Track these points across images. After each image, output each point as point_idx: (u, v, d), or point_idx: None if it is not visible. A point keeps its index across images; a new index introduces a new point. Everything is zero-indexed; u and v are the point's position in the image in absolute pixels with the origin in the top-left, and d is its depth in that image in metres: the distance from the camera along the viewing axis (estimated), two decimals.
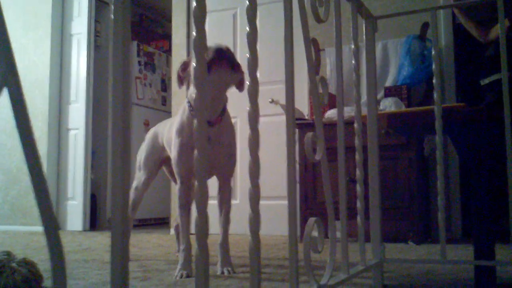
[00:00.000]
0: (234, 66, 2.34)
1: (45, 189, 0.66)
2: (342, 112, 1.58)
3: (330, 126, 3.27)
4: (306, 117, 4.31)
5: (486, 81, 3.00)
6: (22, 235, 4.76)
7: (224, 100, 2.44)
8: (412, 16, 4.04)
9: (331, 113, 3.88)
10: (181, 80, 2.44)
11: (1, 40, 0.59)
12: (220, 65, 2.25)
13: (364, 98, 3.12)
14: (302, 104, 4.45)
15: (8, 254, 2.08)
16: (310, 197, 3.92)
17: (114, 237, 0.73)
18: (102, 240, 4.34)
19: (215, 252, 2.48)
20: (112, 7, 0.76)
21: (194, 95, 2.31)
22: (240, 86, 2.48)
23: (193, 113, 2.37)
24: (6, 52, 0.59)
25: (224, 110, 2.43)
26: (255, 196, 1.02)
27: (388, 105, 3.78)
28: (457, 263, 2.25)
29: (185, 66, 2.44)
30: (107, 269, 2.49)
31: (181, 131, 2.42)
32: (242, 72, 2.44)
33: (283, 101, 4.40)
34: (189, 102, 2.38)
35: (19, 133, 0.64)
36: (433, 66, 1.89)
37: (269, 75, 4.52)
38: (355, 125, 1.73)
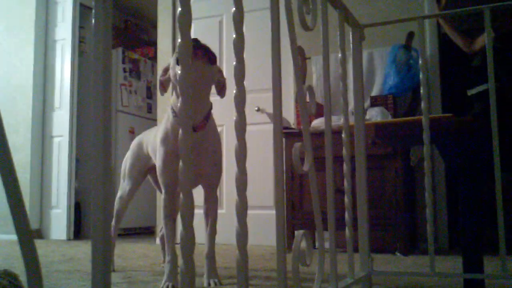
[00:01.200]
0: (211, 58, 2.24)
1: (19, 198, 0.63)
2: (329, 121, 1.56)
3: (316, 135, 3.25)
4: (293, 126, 4.29)
5: (473, 91, 3.00)
6: (4, 244, 4.67)
7: (208, 104, 2.37)
8: (398, 25, 4.05)
9: (317, 122, 3.87)
10: (163, 86, 2.40)
11: None
12: (195, 55, 2.13)
13: (350, 107, 3.11)
14: (288, 113, 4.43)
15: None
16: (297, 207, 3.90)
17: (95, 249, 0.70)
18: (86, 249, 4.27)
19: (201, 263, 2.44)
20: (93, 11, 0.74)
21: (177, 101, 2.29)
22: (221, 91, 2.42)
23: (176, 118, 2.31)
24: None
25: (208, 116, 2.36)
26: (242, 209, 0.99)
27: (375, 114, 3.78)
28: (446, 276, 2.23)
29: (165, 71, 2.38)
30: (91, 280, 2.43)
31: (165, 139, 2.36)
32: (221, 71, 2.40)
33: (269, 109, 4.39)
34: (172, 108, 2.31)
35: None
36: (420, 76, 1.88)
37: (256, 83, 4.51)
38: (343, 135, 1.71)
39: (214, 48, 4.88)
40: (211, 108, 2.40)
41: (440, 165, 4.00)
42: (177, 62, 2.27)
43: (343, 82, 1.72)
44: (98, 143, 0.71)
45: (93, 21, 0.75)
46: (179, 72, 0.87)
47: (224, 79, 2.42)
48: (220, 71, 2.42)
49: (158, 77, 2.42)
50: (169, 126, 2.35)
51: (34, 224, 5.57)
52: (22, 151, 5.63)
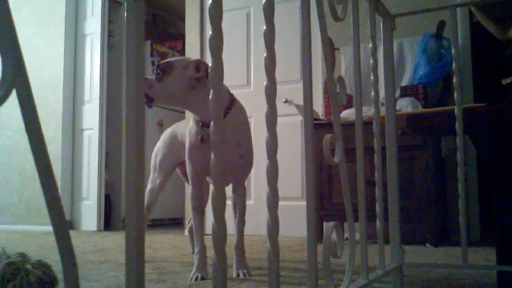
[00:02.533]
0: (158, 73, 2.30)
1: (55, 190, 0.64)
2: (360, 112, 1.54)
3: (345, 126, 3.22)
4: (321, 117, 4.26)
5: (508, 80, 2.94)
6: (37, 235, 4.77)
7: (226, 97, 2.34)
8: (428, 14, 3.97)
9: (346, 113, 3.83)
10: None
11: (10, 40, 0.57)
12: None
13: (380, 97, 3.07)
14: (317, 104, 4.41)
15: (23, 255, 2.07)
16: (326, 198, 3.88)
17: (129, 241, 0.71)
18: (116, 240, 4.33)
19: (230, 254, 2.45)
20: (125, 6, 0.74)
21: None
22: (206, 79, 2.30)
23: (194, 118, 2.39)
24: (14, 53, 0.57)
25: (229, 108, 2.34)
26: (273, 201, 0.99)
27: (405, 105, 3.73)
28: (479, 268, 2.20)
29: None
30: (122, 270, 2.48)
31: (189, 132, 2.41)
32: (195, 66, 2.29)
33: (297, 101, 4.38)
34: None
35: (28, 134, 0.62)
36: (453, 65, 1.84)
37: (283, 75, 4.48)
38: (374, 126, 1.69)
39: (241, 40, 4.94)
40: (231, 101, 2.37)
41: (472, 155, 3.93)
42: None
43: (373, 72, 1.70)
44: (131, 136, 0.72)
45: (125, 14, 0.75)
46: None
47: (200, 73, 2.27)
48: (193, 67, 2.27)
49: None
50: (191, 121, 2.42)
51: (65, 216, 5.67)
52: (53, 144, 5.72)
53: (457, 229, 3.71)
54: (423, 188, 3.55)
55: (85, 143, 5.82)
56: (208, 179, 2.58)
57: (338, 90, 1.39)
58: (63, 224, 0.64)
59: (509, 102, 2.88)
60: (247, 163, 2.45)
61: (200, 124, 2.33)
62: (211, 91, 0.87)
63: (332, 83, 1.33)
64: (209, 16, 0.87)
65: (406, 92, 3.92)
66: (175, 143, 2.82)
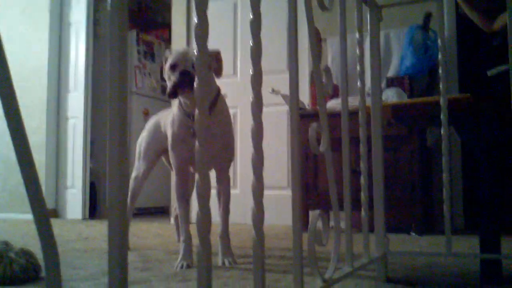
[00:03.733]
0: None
1: (35, 178, 0.63)
2: (346, 102, 1.55)
3: (331, 116, 3.22)
4: (307, 107, 4.27)
5: (493, 71, 2.95)
6: (22, 223, 4.73)
7: (213, 89, 2.37)
8: (415, 6, 3.98)
9: (332, 103, 3.84)
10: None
11: None
12: (183, 90, 2.22)
13: (366, 88, 3.08)
14: (303, 94, 4.41)
15: (6, 244, 2.06)
16: (311, 187, 3.90)
17: (112, 229, 0.70)
18: (101, 229, 4.32)
19: (215, 242, 2.46)
20: None
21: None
22: (217, 73, 2.40)
23: (180, 107, 2.37)
24: None
25: (215, 100, 2.36)
26: (258, 190, 0.99)
27: (390, 95, 3.74)
28: (462, 257, 2.23)
29: (166, 58, 2.40)
30: (107, 258, 2.45)
31: (172, 123, 2.41)
32: (216, 56, 2.38)
33: (283, 91, 4.38)
34: (179, 98, 2.39)
35: (8, 122, 0.61)
36: (439, 56, 1.85)
37: (270, 65, 4.47)
38: (360, 116, 1.70)
39: (228, 30, 4.91)
40: (218, 92, 2.39)
41: (457, 146, 3.97)
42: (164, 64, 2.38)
43: (360, 63, 1.70)
44: (114, 123, 0.71)
45: (108, 2, 0.74)
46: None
47: (219, 65, 2.40)
48: (216, 58, 2.39)
49: (162, 65, 2.44)
50: (175, 111, 2.41)
51: (50, 204, 5.64)
52: (38, 132, 5.67)
53: (441, 218, 3.74)
54: (408, 177, 3.58)
55: (70, 131, 5.78)
56: (191, 169, 2.58)
57: (324, 80, 1.39)
58: (43, 212, 0.64)
59: (493, 93, 2.91)
60: (230, 153, 2.51)
61: (191, 117, 2.32)
62: (196, 81, 0.86)
63: (318, 73, 1.33)
64: (195, 4, 0.87)
65: (392, 83, 3.94)
66: (159, 132, 2.82)
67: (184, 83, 2.20)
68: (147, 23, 7.62)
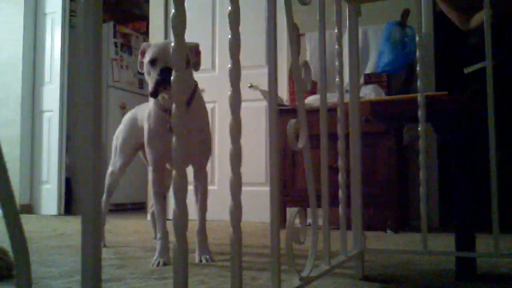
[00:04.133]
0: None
1: (4, 172, 0.61)
2: (325, 98, 1.54)
3: (310, 112, 3.22)
4: (285, 103, 4.26)
5: (470, 69, 2.98)
6: None
7: (191, 84, 2.34)
8: (393, 2, 4.01)
9: (311, 100, 3.84)
10: (142, 65, 2.37)
11: None
12: (165, 87, 2.16)
13: (344, 84, 3.08)
14: (281, 90, 4.40)
15: None
16: (289, 184, 3.89)
17: (85, 225, 0.69)
18: (77, 225, 4.26)
19: (192, 239, 2.43)
20: None
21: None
22: (195, 66, 2.37)
23: (156, 102, 2.33)
24: None
25: (193, 95, 2.34)
26: (236, 186, 0.97)
27: (368, 92, 3.76)
28: (438, 254, 2.24)
29: (142, 53, 2.37)
30: None
31: (148, 117, 2.38)
32: (195, 50, 2.35)
33: (262, 86, 4.36)
34: None
35: None
36: (417, 53, 1.85)
37: (248, 59, 4.45)
38: (338, 112, 1.69)
39: (207, 24, 4.87)
40: (195, 87, 2.37)
41: (433, 143, 4.00)
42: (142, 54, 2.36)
43: (339, 58, 1.70)
44: (88, 117, 0.69)
45: None
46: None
47: (197, 58, 2.36)
48: (195, 50, 2.36)
49: (138, 58, 2.40)
50: (151, 106, 2.38)
51: (24, 199, 5.54)
52: (12, 126, 5.57)
53: (417, 216, 3.78)
54: (385, 175, 3.60)
55: (45, 125, 5.69)
56: (168, 165, 2.55)
57: (303, 75, 1.38)
58: (13, 208, 0.62)
59: (470, 91, 2.93)
60: (207, 148, 2.49)
61: (169, 112, 2.28)
62: (173, 75, 0.84)
63: (297, 68, 1.32)
64: None
65: (369, 79, 3.95)
66: (135, 127, 2.78)
67: (165, 80, 2.16)
68: (124, 15, 7.53)
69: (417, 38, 1.85)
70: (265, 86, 4.42)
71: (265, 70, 4.58)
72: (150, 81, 2.23)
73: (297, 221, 1.19)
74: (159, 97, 2.27)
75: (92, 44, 0.69)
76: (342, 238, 1.66)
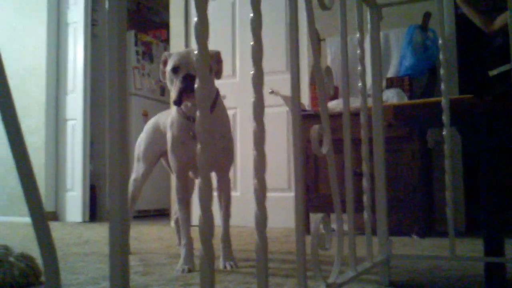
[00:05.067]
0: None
1: (33, 181, 0.61)
2: (348, 103, 1.53)
3: (332, 117, 3.20)
4: (307, 108, 4.25)
5: (495, 72, 2.94)
6: (21, 226, 4.71)
7: (212, 92, 2.35)
8: (414, 5, 3.97)
9: (333, 104, 3.82)
10: (164, 74, 2.39)
11: None
12: (189, 95, 2.18)
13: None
14: (302, 95, 4.38)
15: (6, 248, 2.04)
16: (312, 190, 3.88)
17: (113, 233, 0.69)
18: (102, 232, 4.29)
19: (216, 246, 2.43)
20: None
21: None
22: (217, 75, 2.39)
23: (179, 110, 2.35)
24: None
25: (214, 102, 2.35)
26: (261, 193, 0.97)
27: (390, 96, 3.73)
28: (466, 260, 2.20)
29: (164, 63, 2.38)
30: (107, 262, 2.42)
31: (171, 125, 2.39)
32: (217, 58, 2.37)
33: (282, 91, 4.36)
34: None
35: (4, 123, 0.59)
36: (440, 56, 1.83)
37: (268, 65, 4.44)
38: (361, 117, 1.68)
39: (227, 31, 4.88)
40: (217, 94, 2.37)
41: (458, 147, 3.95)
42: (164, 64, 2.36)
43: (361, 63, 1.69)
44: (114, 126, 0.70)
45: (106, 3, 0.72)
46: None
47: (218, 66, 2.38)
48: (216, 58, 2.37)
49: (160, 68, 2.41)
50: (174, 114, 2.39)
51: (49, 207, 5.61)
52: (37, 134, 5.65)
53: (442, 220, 3.73)
54: (409, 179, 3.56)
55: (69, 133, 5.76)
56: (190, 173, 2.55)
57: (326, 80, 1.37)
58: (41, 216, 0.62)
59: (495, 93, 2.89)
60: (230, 155, 2.48)
61: (192, 120, 2.30)
62: (197, 82, 0.84)
63: (319, 73, 1.31)
64: (195, 3, 0.85)
65: (391, 83, 3.92)
66: (157, 134, 2.79)
67: (188, 88, 2.17)
68: (145, 23, 7.60)
69: (440, 41, 1.83)
70: (285, 91, 4.41)
71: (285, 76, 4.58)
72: (174, 89, 2.24)
73: (321, 226, 1.18)
74: (182, 106, 2.28)
75: (118, 52, 0.70)
76: (368, 244, 1.64)
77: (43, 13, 5.80)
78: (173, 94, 2.25)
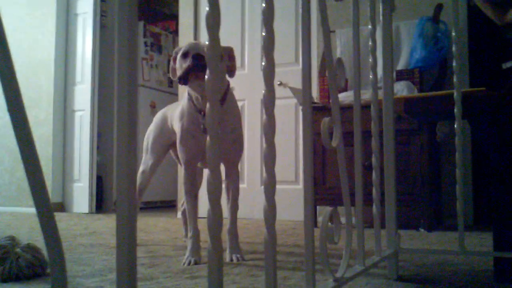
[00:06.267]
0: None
1: (39, 172, 0.60)
2: (359, 96, 1.51)
3: (341, 109, 3.18)
4: (316, 101, 4.23)
5: (508, 64, 2.90)
6: (28, 217, 4.73)
7: (224, 84, 2.34)
8: None
9: (342, 96, 3.80)
10: (174, 72, 2.37)
11: None
12: (197, 77, 2.18)
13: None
14: (311, 87, 4.36)
15: (12, 239, 2.04)
16: (319, 183, 3.86)
17: (121, 224, 0.67)
18: (108, 223, 4.30)
19: (223, 238, 2.43)
20: None
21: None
22: (230, 73, 2.38)
23: (191, 103, 2.34)
24: None
25: (225, 94, 2.33)
26: (270, 186, 0.96)
27: (400, 89, 3.69)
28: (476, 255, 2.18)
29: (174, 60, 2.37)
30: (114, 254, 2.41)
31: (181, 117, 2.39)
32: (230, 55, 2.36)
33: (291, 83, 4.33)
34: (188, 93, 2.36)
35: (10, 114, 0.58)
36: (453, 48, 1.81)
37: (277, 57, 4.41)
38: (372, 109, 1.66)
39: (236, 23, 4.86)
40: (228, 87, 2.36)
41: (466, 140, 3.91)
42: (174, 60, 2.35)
43: (372, 55, 1.66)
44: (123, 118, 0.68)
45: None
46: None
47: (232, 63, 2.38)
48: (229, 55, 2.37)
49: (171, 64, 2.40)
50: (185, 106, 2.38)
51: (56, 198, 5.63)
52: (45, 125, 5.66)
53: (451, 214, 3.70)
54: (418, 172, 3.54)
55: (77, 124, 5.76)
56: (199, 164, 2.55)
57: (337, 73, 1.35)
58: (47, 207, 0.61)
59: (508, 86, 2.85)
60: (240, 148, 2.47)
61: (202, 113, 2.29)
62: (208, 73, 0.83)
63: (331, 65, 1.29)
64: None
65: (402, 76, 3.89)
66: (166, 126, 2.79)
67: (197, 66, 2.16)
68: (154, 15, 7.58)
69: (453, 33, 1.81)
70: (294, 83, 4.39)
71: (294, 68, 4.55)
72: (182, 69, 2.23)
73: (332, 221, 1.17)
74: (193, 97, 2.27)
75: (128, 42, 0.68)
76: (376, 238, 1.63)
77: (52, 4, 5.79)
78: (180, 72, 2.24)
